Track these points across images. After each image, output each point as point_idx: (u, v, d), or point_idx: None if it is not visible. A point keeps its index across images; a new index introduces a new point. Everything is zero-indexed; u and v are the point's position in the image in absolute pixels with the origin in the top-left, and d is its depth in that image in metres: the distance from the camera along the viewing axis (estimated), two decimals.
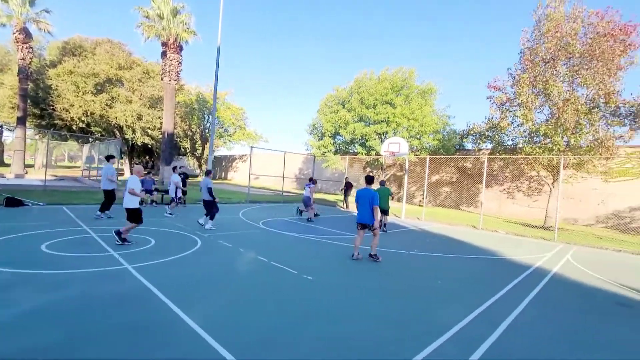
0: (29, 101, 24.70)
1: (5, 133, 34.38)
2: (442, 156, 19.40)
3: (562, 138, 13.02)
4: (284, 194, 19.15)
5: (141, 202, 11.87)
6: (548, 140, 13.08)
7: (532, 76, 13.26)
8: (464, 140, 16.27)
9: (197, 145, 37.36)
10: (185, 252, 5.92)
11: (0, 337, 2.75)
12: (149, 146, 30.33)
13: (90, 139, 22.55)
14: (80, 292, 3.80)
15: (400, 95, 19.27)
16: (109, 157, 9.27)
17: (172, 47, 23.92)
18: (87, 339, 2.80)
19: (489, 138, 15.03)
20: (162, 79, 25.14)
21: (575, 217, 17.21)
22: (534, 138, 13.78)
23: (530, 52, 13.65)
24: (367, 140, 19.28)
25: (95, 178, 20.81)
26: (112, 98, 26.35)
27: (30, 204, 9.92)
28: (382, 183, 11.01)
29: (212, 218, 8.45)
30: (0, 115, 26.73)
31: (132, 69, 27.98)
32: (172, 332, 3.03)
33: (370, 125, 19.10)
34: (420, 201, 24.60)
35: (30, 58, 23.62)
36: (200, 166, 40.24)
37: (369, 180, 6.54)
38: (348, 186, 16.24)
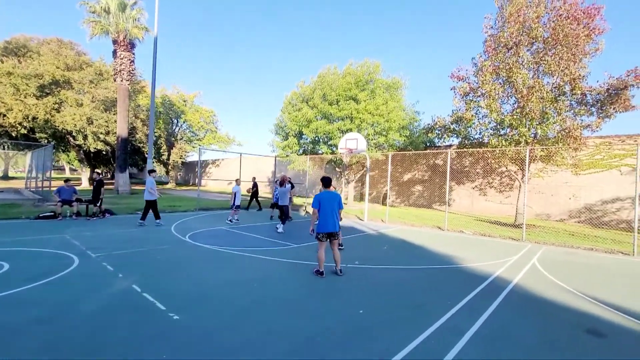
0: None
1: None
2: (405, 152, 18.48)
3: (529, 129, 12.19)
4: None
5: (57, 215, 10.30)
6: (515, 131, 12.21)
7: (495, 64, 12.41)
8: (429, 135, 15.27)
9: (162, 151, 35.28)
10: (35, 282, 4.45)
11: None
12: (103, 152, 28.19)
13: (21, 147, 20.43)
14: None
15: (365, 90, 18.19)
16: (150, 171, 10.15)
17: (122, 44, 22.14)
18: None
19: (455, 132, 14.09)
20: (114, 80, 23.31)
21: (548, 212, 16.52)
22: (500, 130, 12.91)
23: (493, 39, 12.82)
24: (330, 139, 18.09)
25: (34, 189, 18.74)
26: (60, 101, 24.20)
27: None
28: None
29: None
30: None
31: (82, 69, 25.88)
32: None
33: (334, 123, 17.93)
34: (392, 201, 23.63)
35: None
36: (167, 172, 38.11)
37: (328, 182, 5.72)
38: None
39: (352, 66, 19.15)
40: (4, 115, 22.24)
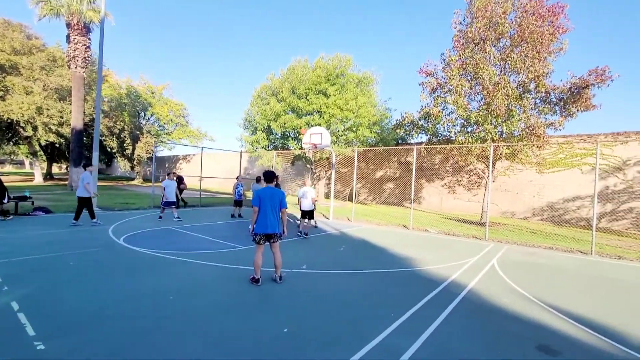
0: None
1: None
2: (373, 148, 18.17)
3: (495, 127, 12.06)
4: (202, 195, 16.72)
5: None
6: (481, 129, 12.04)
7: (463, 59, 12.18)
8: (398, 131, 14.94)
9: (125, 145, 33.29)
10: None
11: None
12: (57, 145, 26.17)
13: None
14: None
15: (335, 84, 17.64)
16: (86, 165, 9.17)
17: (76, 28, 20.43)
18: None
19: (424, 128, 13.80)
20: (68, 67, 21.51)
21: (513, 210, 16.68)
22: (467, 127, 12.73)
23: (462, 35, 12.59)
24: (299, 134, 17.41)
25: None
26: (6, 88, 22.07)
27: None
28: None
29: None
30: None
31: (32, 54, 23.74)
32: None
33: (303, 117, 17.27)
34: (365, 199, 23.33)
35: None
36: (132, 167, 36.05)
37: (270, 177, 4.94)
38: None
39: (323, 59, 18.54)
40: None
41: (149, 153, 35.03)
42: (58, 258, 5.53)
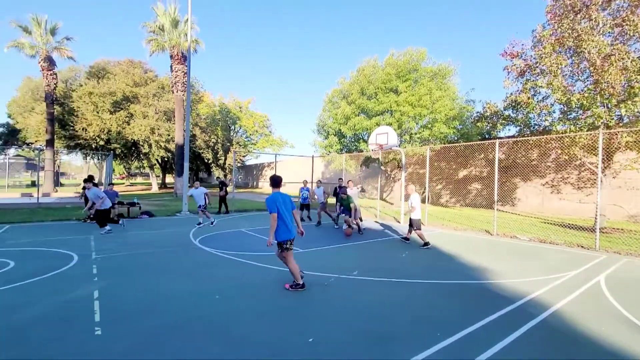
0: (57, 124, 26.39)
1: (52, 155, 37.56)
2: (449, 146, 16.51)
3: (610, 109, 9.68)
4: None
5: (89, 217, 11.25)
6: (588, 113, 9.81)
7: (560, 32, 10.15)
8: (479, 124, 13.24)
9: (219, 155, 37.55)
10: (18, 282, 4.57)
11: None
12: (166, 159, 30.90)
13: (89, 155, 23.20)
14: None
15: (407, 80, 16.71)
16: (87, 180, 9.71)
17: (176, 58, 23.95)
18: None
19: (510, 119, 11.96)
20: (172, 92, 25.39)
21: None
22: (569, 114, 10.53)
23: (558, 4, 10.53)
24: (369, 135, 16.97)
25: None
26: (130, 115, 27.18)
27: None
28: (344, 191, 9.85)
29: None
30: (38, 140, 29.05)
31: (147, 84, 28.76)
32: None
33: (372, 118, 16.79)
34: (446, 201, 21.42)
35: (55, 84, 25.19)
36: (225, 176, 40.45)
37: (277, 182, 4.67)
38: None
39: (393, 56, 17.80)
40: (85, 129, 25.68)
41: (238, 162, 38.91)
42: (139, 255, 6.41)
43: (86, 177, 10.03)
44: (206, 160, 38.09)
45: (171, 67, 24.48)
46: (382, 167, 19.38)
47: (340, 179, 11.60)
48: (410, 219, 7.81)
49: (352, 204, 9.22)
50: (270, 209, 4.37)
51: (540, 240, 8.76)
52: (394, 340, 3.17)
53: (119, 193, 12.17)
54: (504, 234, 9.60)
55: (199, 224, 10.42)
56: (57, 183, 31.92)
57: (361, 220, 10.17)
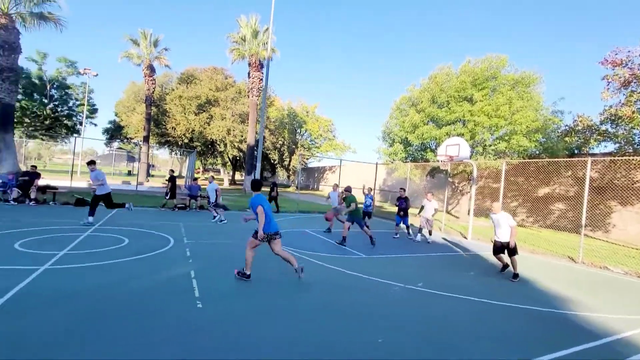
0: (153, 123, 30.46)
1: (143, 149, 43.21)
2: (530, 161, 15.08)
3: None
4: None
5: (185, 206, 12.77)
6: None
7: None
8: (567, 138, 11.95)
9: (284, 157, 39.46)
10: (134, 256, 5.56)
11: None
12: (238, 158, 33.41)
13: (174, 151, 26.04)
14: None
15: (483, 89, 15.80)
16: (90, 163, 8.90)
17: (254, 66, 25.95)
18: None
19: (608, 135, 10.61)
20: (248, 97, 27.55)
21: None
22: None
23: None
24: (438, 145, 16.40)
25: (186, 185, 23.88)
26: (210, 117, 30.15)
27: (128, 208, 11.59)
28: (349, 189, 9.09)
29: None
30: (137, 135, 33.81)
31: (227, 89, 31.59)
32: None
33: (442, 127, 16.19)
34: (522, 220, 19.58)
35: (154, 88, 29.16)
36: (289, 177, 42.33)
37: (257, 185, 5.42)
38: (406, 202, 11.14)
39: (470, 64, 16.98)
40: (174, 128, 29.16)
41: (302, 164, 40.46)
42: (224, 245, 7.23)
43: (89, 160, 8.90)
44: (272, 161, 40.32)
45: (249, 74, 26.59)
46: (450, 179, 18.54)
47: (401, 188, 11.21)
48: (507, 245, 6.47)
49: (353, 203, 8.45)
50: (256, 208, 5.00)
51: (638, 275, 7.64)
52: (465, 353, 3.19)
53: (201, 187, 13.66)
54: (592, 264, 8.56)
55: (216, 218, 10.64)
56: (148, 174, 36.74)
57: (430, 234, 9.97)
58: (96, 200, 8.44)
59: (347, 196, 8.71)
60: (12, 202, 10.25)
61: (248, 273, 4.97)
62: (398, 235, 10.36)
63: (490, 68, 16.14)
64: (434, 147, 17.45)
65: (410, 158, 19.84)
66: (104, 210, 10.01)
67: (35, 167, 11.50)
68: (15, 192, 10.36)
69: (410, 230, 10.69)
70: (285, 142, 38.56)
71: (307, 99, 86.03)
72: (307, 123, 40.44)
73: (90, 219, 8.18)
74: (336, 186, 12.27)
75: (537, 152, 15.85)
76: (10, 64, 13.36)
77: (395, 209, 11.13)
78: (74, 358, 2.61)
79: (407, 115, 18.14)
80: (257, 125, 27.79)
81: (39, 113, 35.63)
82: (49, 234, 6.71)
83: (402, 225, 10.46)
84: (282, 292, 4.55)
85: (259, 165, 15.21)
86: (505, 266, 6.74)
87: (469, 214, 19.15)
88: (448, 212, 22.21)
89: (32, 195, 10.60)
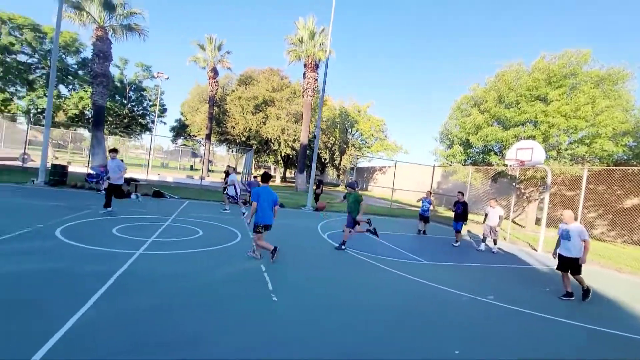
0: (214, 122, 32.61)
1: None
2: (617, 168, 13.33)
3: None
4: (392, 205, 17.49)
5: (245, 202, 13.49)
6: None
7: None
8: None
9: (335, 156, 39.68)
10: (210, 247, 6.04)
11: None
12: (290, 156, 34.33)
13: (231, 148, 27.51)
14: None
15: (561, 87, 14.33)
16: (112, 150, 9.23)
17: (309, 66, 26.47)
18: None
19: None
20: (302, 96, 28.20)
21: None
22: None
23: None
24: (504, 148, 15.25)
25: (243, 181, 25.20)
26: (266, 116, 31.43)
27: (168, 197, 12.76)
28: (352, 185, 7.66)
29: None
30: (200, 134, 36.44)
31: (282, 90, 32.64)
32: None
33: (510, 129, 15.02)
34: (602, 234, 17.42)
35: (216, 89, 31.20)
36: (338, 176, 42.50)
37: (267, 177, 5.99)
38: (464, 207, 10.22)
39: (545, 59, 15.54)
40: (234, 127, 30.92)
41: (352, 164, 40.35)
42: (285, 242, 7.51)
43: (112, 148, 9.15)
44: (323, 160, 40.79)
45: (304, 74, 27.15)
46: (516, 185, 17.16)
47: (460, 192, 10.47)
48: (576, 262, 5.52)
49: (362, 202, 7.25)
50: (252, 198, 5.60)
51: None
52: None
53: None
54: None
55: (243, 213, 10.89)
56: (208, 169, 39.44)
57: (495, 243, 9.34)
58: (113, 191, 8.59)
59: (350, 192, 7.40)
60: (103, 192, 11.72)
61: (272, 248, 5.60)
62: (457, 243, 9.81)
63: (569, 64, 14.60)
64: (497, 150, 16.29)
65: (470, 161, 18.76)
66: (174, 203, 10.99)
67: (122, 161, 12.97)
68: (106, 183, 11.80)
69: (460, 237, 10.06)
70: (336, 141, 38.76)
71: (360, 98, 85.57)
72: (359, 123, 40.19)
73: (134, 196, 9.01)
74: (429, 193, 11.79)
75: (626, 158, 13.99)
76: (103, 70, 15.29)
77: (451, 214, 10.59)
78: (172, 333, 2.92)
79: (469, 116, 17.15)
80: (310, 124, 28.37)
81: (119, 113, 40.11)
82: (136, 222, 7.57)
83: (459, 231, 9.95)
84: (349, 290, 4.61)
85: (314, 164, 15.51)
86: (570, 294, 5.60)
87: (536, 223, 17.58)
88: (513, 221, 20.57)
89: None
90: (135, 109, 43.23)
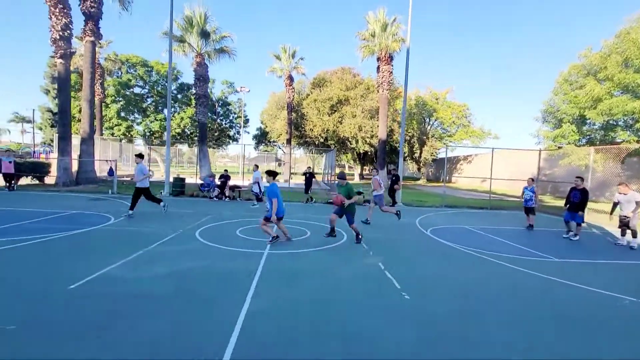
0: (293, 126, 34.29)
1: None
2: None
3: None
4: (492, 197, 15.96)
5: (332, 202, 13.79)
6: None
7: None
8: None
9: (414, 149, 38.05)
10: (319, 247, 6.35)
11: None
12: (369, 153, 34.06)
13: (320, 152, 28.32)
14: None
15: None
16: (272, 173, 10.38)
17: (383, 60, 25.88)
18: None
19: None
20: (377, 91, 27.76)
21: None
22: None
23: None
24: (637, 121, 12.64)
25: (326, 181, 25.92)
26: (342, 116, 31.81)
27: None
28: (342, 177, 7.35)
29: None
30: (279, 139, 38.71)
31: (356, 87, 32.62)
32: None
33: None
34: None
35: (293, 96, 32.75)
36: (419, 169, 40.67)
37: (275, 175, 6.54)
38: (583, 195, 8.52)
39: None
40: (312, 130, 32.03)
41: (433, 155, 38.20)
42: (392, 239, 7.48)
43: (138, 153, 9.31)
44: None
45: (378, 68, 26.64)
46: None
47: (578, 177, 8.69)
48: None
49: (354, 197, 6.88)
50: (276, 195, 6.17)
51: None
52: None
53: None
54: None
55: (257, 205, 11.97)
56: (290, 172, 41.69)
57: (635, 236, 7.79)
58: (143, 194, 8.83)
59: (341, 185, 7.10)
60: (214, 199, 13.32)
61: (275, 235, 6.36)
62: (576, 237, 8.32)
63: None
64: (630, 124, 13.57)
65: (586, 140, 16.06)
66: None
67: (227, 170, 14.55)
68: (216, 191, 13.40)
69: (574, 229, 8.46)
70: (415, 133, 37.18)
71: (438, 85, 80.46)
72: (438, 111, 37.83)
73: (162, 204, 9.14)
74: (531, 181, 10.27)
75: None
76: (203, 92, 17.38)
77: (559, 203, 9.03)
78: (336, 326, 3.13)
79: (582, 87, 14.70)
80: (387, 119, 27.73)
81: (211, 127, 45.11)
82: (253, 225, 8.37)
83: (572, 223, 8.44)
84: (484, 293, 4.35)
85: (401, 160, 15.16)
86: None
87: None
88: None
89: (227, 193, 13.52)
90: (223, 122, 48.08)
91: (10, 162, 13.68)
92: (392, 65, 26.25)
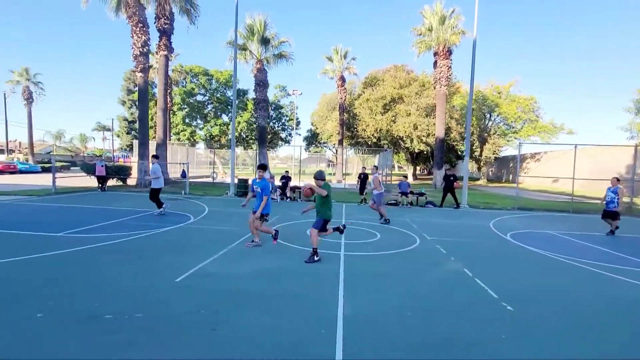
0: (345, 127, 34.28)
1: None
2: None
3: None
4: (574, 199, 14.33)
5: (397, 203, 13.42)
6: None
7: None
8: None
9: (474, 147, 35.67)
10: (393, 250, 6.20)
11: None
12: (424, 152, 32.74)
13: (371, 152, 27.89)
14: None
15: None
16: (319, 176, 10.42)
17: (441, 54, 24.75)
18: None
19: None
20: (434, 88, 26.60)
21: None
22: None
23: None
24: None
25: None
26: (395, 114, 31.01)
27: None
28: (321, 176, 5.72)
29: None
30: (331, 140, 38.92)
31: (410, 85, 31.57)
32: None
33: None
34: None
35: (345, 96, 32.74)
36: (479, 168, 38.12)
37: (264, 167, 6.58)
38: None
39: None
40: (364, 130, 31.69)
41: (496, 154, 35.48)
42: (470, 243, 7.05)
43: (154, 156, 9.73)
44: (459, 153, 37.39)
45: (435, 63, 25.54)
46: None
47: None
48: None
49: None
50: (268, 192, 6.09)
51: None
52: None
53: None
54: None
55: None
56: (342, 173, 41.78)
57: None
58: (156, 194, 9.10)
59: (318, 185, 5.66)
60: (276, 200, 13.79)
61: (274, 232, 6.39)
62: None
63: None
64: None
65: None
66: (335, 207, 11.90)
67: (288, 171, 15.02)
68: (277, 192, 13.87)
69: None
70: (474, 130, 34.88)
71: (501, 77, 74.83)
72: (500, 106, 35.04)
73: (161, 209, 9.15)
74: (616, 180, 9.03)
75: None
76: (263, 96, 18.15)
77: None
78: (439, 333, 3.02)
79: None
80: (445, 116, 26.42)
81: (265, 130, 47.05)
82: None
83: None
84: (592, 306, 3.88)
85: (467, 159, 14.32)
86: None
87: None
88: None
89: (288, 194, 13.92)
90: (276, 125, 49.75)
91: (102, 165, 15.57)
92: (451, 60, 24.98)
